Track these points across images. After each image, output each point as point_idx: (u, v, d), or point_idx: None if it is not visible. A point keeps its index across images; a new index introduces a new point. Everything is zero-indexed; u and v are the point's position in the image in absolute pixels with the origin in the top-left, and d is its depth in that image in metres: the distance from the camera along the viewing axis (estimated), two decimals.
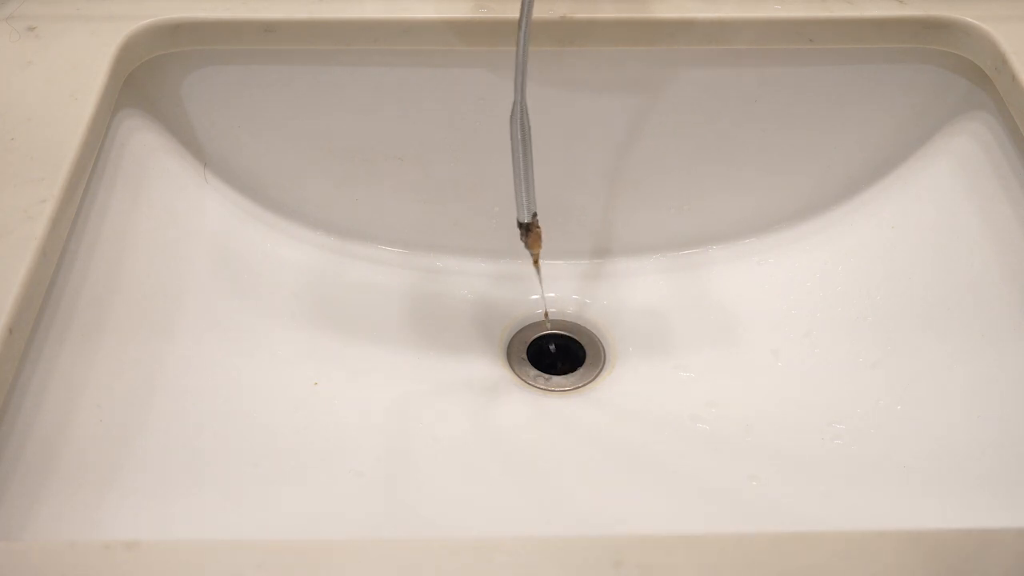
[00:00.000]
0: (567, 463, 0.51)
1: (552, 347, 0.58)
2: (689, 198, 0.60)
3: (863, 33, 0.54)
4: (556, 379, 0.56)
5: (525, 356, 0.57)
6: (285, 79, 0.56)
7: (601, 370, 0.57)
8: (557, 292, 0.60)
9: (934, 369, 0.52)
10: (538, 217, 0.50)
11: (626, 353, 0.57)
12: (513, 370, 0.56)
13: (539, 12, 0.53)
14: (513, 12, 0.54)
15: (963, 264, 0.54)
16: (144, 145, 0.54)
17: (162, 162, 0.55)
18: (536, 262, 0.52)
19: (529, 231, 0.50)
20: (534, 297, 0.60)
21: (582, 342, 0.58)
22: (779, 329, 0.57)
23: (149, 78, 0.54)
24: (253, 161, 0.58)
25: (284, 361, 0.53)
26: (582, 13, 0.53)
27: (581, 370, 0.57)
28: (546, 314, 0.57)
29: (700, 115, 0.57)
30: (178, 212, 0.55)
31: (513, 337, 0.58)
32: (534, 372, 0.56)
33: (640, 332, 0.58)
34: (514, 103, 0.47)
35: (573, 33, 0.54)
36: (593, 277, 0.61)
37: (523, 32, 0.46)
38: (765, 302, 0.58)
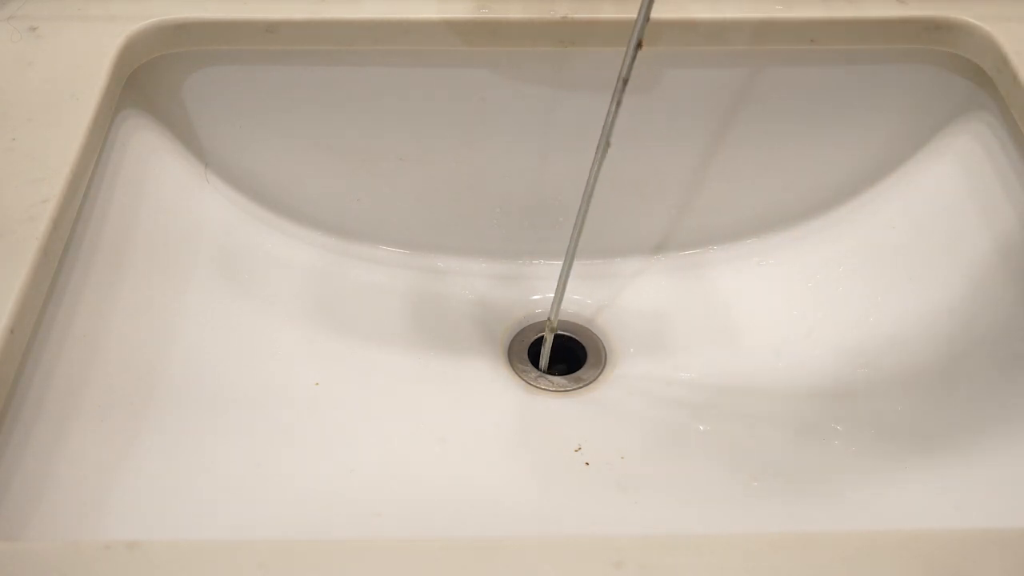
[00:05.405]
0: (568, 464, 0.51)
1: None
2: (689, 198, 0.60)
3: (865, 33, 0.54)
4: (557, 379, 0.56)
5: (526, 356, 0.57)
6: (286, 79, 0.56)
7: (602, 370, 0.57)
8: None
9: (935, 369, 0.52)
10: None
11: (627, 353, 0.57)
12: (514, 370, 0.56)
13: (539, 12, 0.54)
14: (513, 12, 0.54)
15: (965, 264, 0.54)
16: (145, 145, 0.54)
17: (163, 162, 0.55)
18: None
19: None
20: (535, 297, 0.60)
21: (583, 342, 0.58)
22: (780, 329, 0.57)
23: (150, 78, 0.54)
24: (254, 161, 0.58)
25: (285, 361, 0.53)
26: (582, 13, 0.53)
27: (582, 370, 0.57)
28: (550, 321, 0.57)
29: (701, 115, 0.57)
30: (179, 212, 0.55)
31: (514, 337, 0.58)
32: (535, 372, 0.56)
33: (641, 332, 0.58)
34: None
35: (573, 33, 0.54)
36: (593, 277, 0.61)
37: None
38: (766, 302, 0.58)
